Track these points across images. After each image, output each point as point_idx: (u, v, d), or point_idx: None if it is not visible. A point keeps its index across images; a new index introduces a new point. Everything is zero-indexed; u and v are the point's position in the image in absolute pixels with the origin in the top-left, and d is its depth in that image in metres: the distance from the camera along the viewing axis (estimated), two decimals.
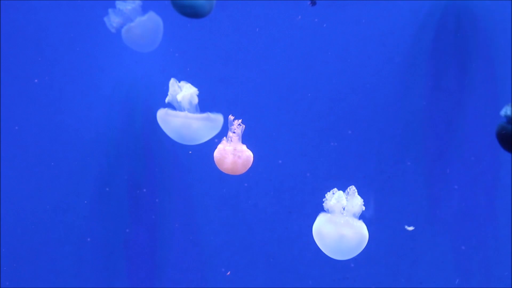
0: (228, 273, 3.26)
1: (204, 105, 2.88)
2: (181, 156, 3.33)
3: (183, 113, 2.84)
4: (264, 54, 3.25)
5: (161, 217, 3.37)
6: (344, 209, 2.68)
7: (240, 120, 2.79)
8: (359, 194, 2.69)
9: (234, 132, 2.80)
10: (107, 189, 3.37)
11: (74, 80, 3.36)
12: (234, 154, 2.79)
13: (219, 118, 2.89)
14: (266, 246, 3.22)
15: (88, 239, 3.47)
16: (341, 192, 2.69)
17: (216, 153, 2.83)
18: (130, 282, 3.38)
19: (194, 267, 3.31)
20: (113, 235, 3.41)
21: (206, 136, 2.93)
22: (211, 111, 2.85)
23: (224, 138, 2.82)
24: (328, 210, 2.70)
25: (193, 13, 2.62)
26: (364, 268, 3.18)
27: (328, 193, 2.70)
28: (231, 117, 2.81)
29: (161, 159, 3.35)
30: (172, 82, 2.86)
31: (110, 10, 3.10)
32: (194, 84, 2.86)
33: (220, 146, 2.83)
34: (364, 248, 2.73)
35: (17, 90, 3.40)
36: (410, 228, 3.20)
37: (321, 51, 3.23)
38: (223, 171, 2.85)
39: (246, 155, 2.80)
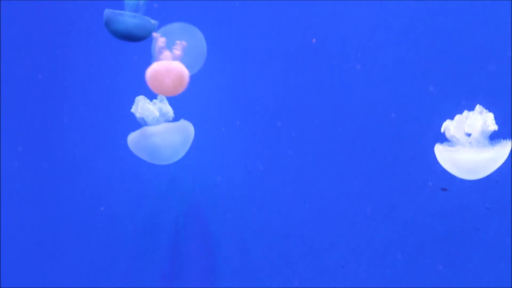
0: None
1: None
2: None
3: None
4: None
5: (237, 193, 2.99)
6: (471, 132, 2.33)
7: (164, 38, 2.48)
8: None
9: (175, 50, 2.52)
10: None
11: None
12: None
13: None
14: (388, 196, 2.77)
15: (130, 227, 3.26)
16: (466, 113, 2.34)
17: (157, 70, 2.48)
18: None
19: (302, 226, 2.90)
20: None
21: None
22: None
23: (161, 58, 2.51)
24: (452, 138, 2.35)
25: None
26: None
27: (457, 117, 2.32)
28: (155, 35, 2.49)
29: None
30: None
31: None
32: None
33: (158, 64, 2.50)
34: None
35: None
36: None
37: None
38: (158, 91, 2.55)
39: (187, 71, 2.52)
